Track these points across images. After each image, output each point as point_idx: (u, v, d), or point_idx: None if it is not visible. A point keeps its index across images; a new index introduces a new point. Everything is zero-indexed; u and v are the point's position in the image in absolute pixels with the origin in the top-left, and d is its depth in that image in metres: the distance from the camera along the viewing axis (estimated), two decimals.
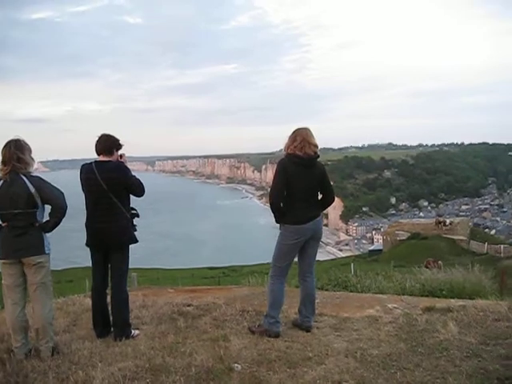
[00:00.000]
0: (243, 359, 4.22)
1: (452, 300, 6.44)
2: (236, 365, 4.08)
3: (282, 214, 4.89)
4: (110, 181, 4.76)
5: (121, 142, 4.99)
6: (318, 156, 4.95)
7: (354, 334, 4.90)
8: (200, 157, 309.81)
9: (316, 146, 4.91)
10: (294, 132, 4.94)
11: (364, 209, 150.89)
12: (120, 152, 5.00)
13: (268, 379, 3.82)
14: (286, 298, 5.25)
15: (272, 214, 4.95)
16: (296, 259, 5.11)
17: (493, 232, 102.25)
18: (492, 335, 4.61)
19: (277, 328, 4.88)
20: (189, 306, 6.09)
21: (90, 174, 4.81)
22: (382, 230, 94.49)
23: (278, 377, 3.85)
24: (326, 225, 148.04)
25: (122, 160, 4.98)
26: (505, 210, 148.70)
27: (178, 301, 6.34)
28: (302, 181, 4.84)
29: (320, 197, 5.10)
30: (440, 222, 56.02)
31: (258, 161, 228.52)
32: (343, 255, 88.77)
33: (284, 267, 5.01)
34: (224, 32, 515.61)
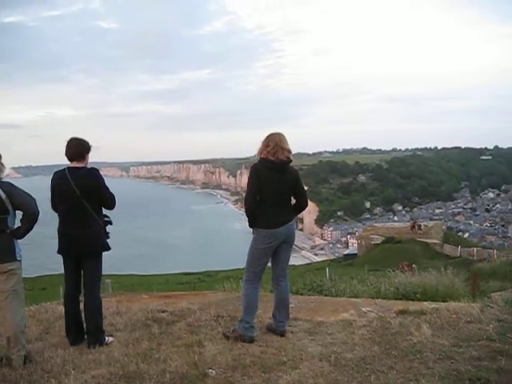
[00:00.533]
0: (218, 364, 4.20)
1: (425, 303, 6.49)
2: (210, 370, 4.06)
3: (255, 218, 4.90)
4: (84, 187, 4.73)
5: (90, 144, 4.97)
6: (291, 161, 4.97)
7: (329, 337, 4.91)
8: (175, 162, 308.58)
9: (289, 151, 4.93)
10: (267, 137, 4.96)
11: (339, 213, 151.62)
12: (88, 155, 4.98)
13: None
14: (261, 302, 5.25)
15: (246, 219, 4.97)
16: (269, 264, 5.13)
17: (466, 235, 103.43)
18: (464, 337, 4.66)
19: (251, 333, 4.88)
20: (163, 312, 6.06)
21: (63, 180, 4.77)
22: (356, 234, 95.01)
23: (253, 382, 3.85)
24: (302, 229, 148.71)
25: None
26: (477, 213, 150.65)
27: (153, 307, 6.31)
28: (274, 185, 4.85)
29: (293, 201, 5.12)
30: (414, 226, 56.55)
31: (233, 166, 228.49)
32: (318, 259, 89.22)
33: (258, 272, 5.02)
34: (198, 37, 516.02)
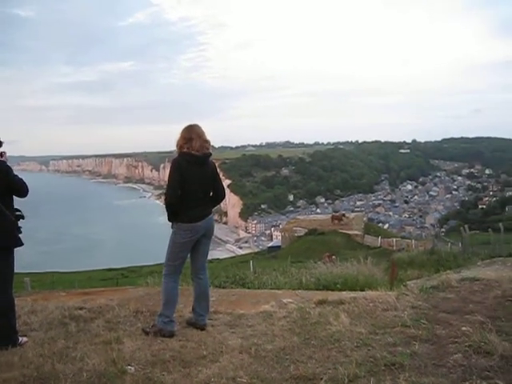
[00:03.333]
0: (137, 361, 4.13)
1: (344, 292, 6.64)
2: (129, 367, 3.98)
3: (175, 212, 4.85)
4: None
5: (1, 139, 4.77)
6: (211, 154, 4.94)
7: (249, 330, 4.93)
8: (96, 156, 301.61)
9: (208, 143, 4.90)
10: (186, 129, 4.90)
11: (263, 206, 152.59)
12: (0, 150, 4.78)
13: (162, 380, 3.75)
14: (182, 296, 5.21)
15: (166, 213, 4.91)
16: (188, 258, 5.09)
17: (386, 226, 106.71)
18: (381, 324, 4.76)
19: (171, 327, 4.83)
20: (81, 309, 5.91)
21: None
22: (280, 226, 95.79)
23: (172, 377, 3.80)
24: (226, 223, 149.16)
25: (2, 159, 4.75)
26: (397, 205, 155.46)
27: (70, 304, 6.15)
28: (196, 179, 4.83)
29: (211, 194, 5.10)
30: (336, 218, 57.84)
31: (156, 159, 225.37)
32: (243, 252, 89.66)
33: (177, 266, 4.98)
34: (121, 29, 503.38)
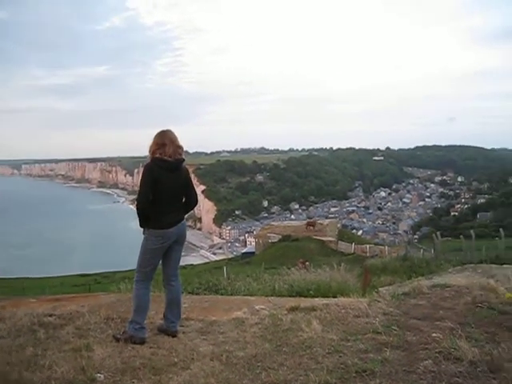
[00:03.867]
0: (107, 368, 4.07)
1: (316, 299, 6.64)
2: (99, 375, 3.93)
3: (147, 218, 4.81)
4: None
5: None
6: (184, 159, 4.92)
7: (221, 336, 4.90)
8: (70, 160, 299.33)
9: (181, 149, 4.88)
10: (159, 135, 4.86)
11: (237, 212, 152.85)
12: None
13: None
14: (154, 303, 5.17)
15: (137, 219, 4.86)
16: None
17: (360, 233, 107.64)
18: (352, 331, 4.78)
19: (142, 334, 4.78)
20: (50, 315, 5.79)
21: None
22: (254, 232, 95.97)
23: None
24: (200, 229, 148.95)
25: None
26: (370, 211, 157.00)
27: (40, 311, 6.02)
28: (168, 185, 4.79)
29: (183, 200, 5.07)
30: (310, 224, 58.11)
31: (130, 164, 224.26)
32: (217, 258, 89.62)
33: (149, 272, 4.93)
34: (97, 33, 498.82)
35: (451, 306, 5.49)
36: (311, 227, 57.94)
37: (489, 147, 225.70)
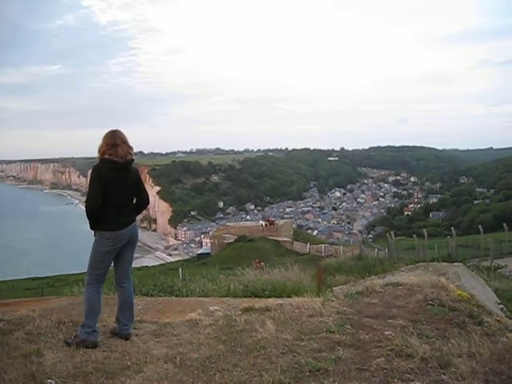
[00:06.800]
0: (58, 374, 3.97)
1: (271, 299, 6.65)
2: (49, 381, 3.83)
3: (97, 220, 4.73)
4: None
5: None
6: (133, 160, 4.85)
7: (174, 338, 4.85)
8: (21, 161, 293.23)
9: (132, 149, 4.81)
10: (108, 135, 4.78)
11: (192, 213, 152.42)
12: None
13: None
14: (106, 306, 5.10)
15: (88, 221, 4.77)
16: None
17: (315, 233, 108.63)
18: (306, 331, 4.80)
19: (94, 338, 4.69)
20: (0, 321, 5.67)
21: None
22: (210, 233, 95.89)
23: None
24: (155, 230, 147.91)
25: None
26: (325, 211, 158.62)
27: None
28: (118, 186, 4.72)
29: (135, 201, 5.00)
30: (268, 222, 58.62)
31: (83, 165, 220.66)
32: (172, 260, 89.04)
33: (100, 274, 4.85)
34: (48, 31, 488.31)
35: (403, 304, 5.57)
36: (271, 226, 58.38)
37: (440, 148, 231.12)
